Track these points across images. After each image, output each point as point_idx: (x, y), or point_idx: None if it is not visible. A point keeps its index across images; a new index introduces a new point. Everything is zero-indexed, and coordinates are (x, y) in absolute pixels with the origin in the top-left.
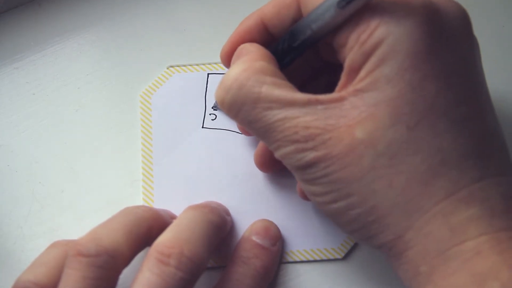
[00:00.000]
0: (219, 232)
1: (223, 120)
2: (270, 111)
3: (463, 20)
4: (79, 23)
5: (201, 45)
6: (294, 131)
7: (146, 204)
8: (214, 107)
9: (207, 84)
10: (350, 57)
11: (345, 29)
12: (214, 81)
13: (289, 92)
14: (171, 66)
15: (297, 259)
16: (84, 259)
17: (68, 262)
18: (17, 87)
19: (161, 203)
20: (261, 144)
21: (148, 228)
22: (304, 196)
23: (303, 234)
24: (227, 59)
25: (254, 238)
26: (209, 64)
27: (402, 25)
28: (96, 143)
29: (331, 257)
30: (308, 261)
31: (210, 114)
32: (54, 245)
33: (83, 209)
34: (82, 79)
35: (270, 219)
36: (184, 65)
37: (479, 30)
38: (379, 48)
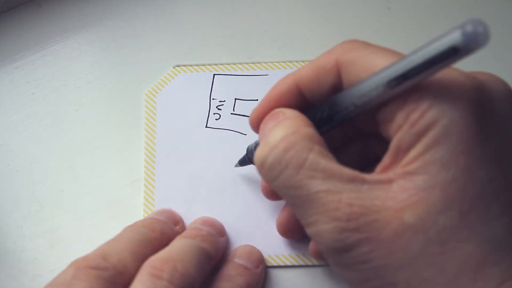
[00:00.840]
0: (210, 260)
1: (227, 120)
2: (314, 180)
3: (510, 98)
4: (79, 23)
5: (202, 45)
6: (336, 206)
7: (146, 203)
8: (237, 165)
9: (212, 84)
10: (398, 136)
11: (391, 105)
12: (220, 82)
13: (335, 165)
14: (177, 66)
15: (296, 264)
16: (92, 272)
17: (76, 273)
18: (17, 86)
19: (161, 203)
20: (284, 211)
21: (153, 249)
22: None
23: (303, 237)
24: (257, 124)
25: (237, 260)
26: (216, 64)
27: (455, 107)
28: (96, 143)
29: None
30: (307, 266)
31: (214, 114)
32: (73, 264)
33: (83, 209)
34: (82, 79)
35: (272, 220)
36: (190, 65)
37: None
38: (431, 130)
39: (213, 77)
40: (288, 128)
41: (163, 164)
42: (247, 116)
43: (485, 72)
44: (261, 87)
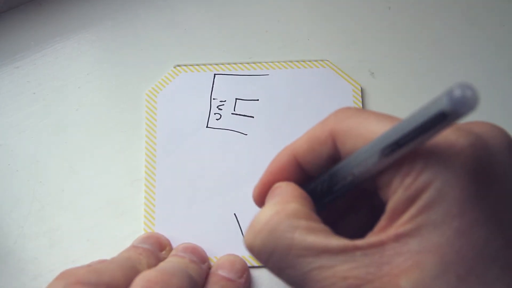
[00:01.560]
0: (195, 285)
1: (228, 120)
2: (304, 259)
3: (510, 150)
4: (80, 23)
5: (202, 45)
6: (332, 282)
7: (147, 202)
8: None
9: (213, 84)
10: (393, 200)
11: (388, 170)
12: (220, 81)
13: (324, 238)
14: (178, 66)
15: None
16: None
17: None
18: (17, 86)
19: (162, 203)
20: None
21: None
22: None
23: None
24: (260, 200)
25: (220, 272)
26: (216, 64)
27: (449, 168)
28: (96, 143)
29: None
30: None
31: (215, 114)
32: (62, 278)
33: (83, 208)
34: (83, 79)
35: None
36: (191, 65)
37: (479, 29)
38: (425, 193)
39: (214, 77)
40: (272, 209)
41: (163, 164)
42: (248, 116)
43: (482, 122)
44: (262, 87)
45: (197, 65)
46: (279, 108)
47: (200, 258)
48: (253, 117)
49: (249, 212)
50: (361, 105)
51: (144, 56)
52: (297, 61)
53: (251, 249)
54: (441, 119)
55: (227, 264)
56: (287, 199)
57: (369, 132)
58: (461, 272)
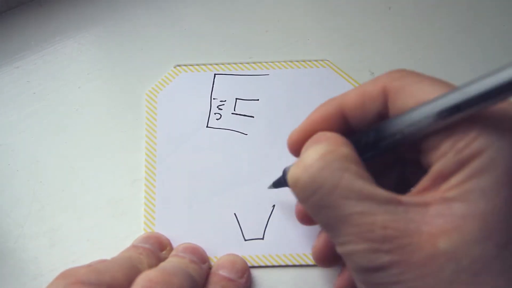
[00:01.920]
0: (196, 285)
1: (228, 120)
2: (348, 201)
3: None
4: (80, 23)
5: (202, 45)
6: (370, 228)
7: (147, 202)
8: (271, 187)
9: (213, 84)
10: (441, 162)
11: (439, 133)
12: (221, 81)
13: (371, 186)
14: (178, 65)
15: (297, 263)
16: (83, 287)
17: None
18: (18, 86)
19: (162, 203)
20: (321, 237)
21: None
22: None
23: (304, 238)
24: (297, 148)
25: (220, 272)
26: (216, 64)
27: (504, 138)
28: (96, 143)
29: None
30: (308, 265)
31: (215, 114)
32: (62, 278)
33: (83, 208)
34: (83, 79)
35: (271, 220)
36: (191, 65)
37: (479, 29)
38: (476, 159)
39: (214, 76)
40: (324, 148)
41: (163, 164)
42: (248, 116)
43: None
44: (262, 87)
45: (197, 65)
46: (279, 108)
47: (200, 258)
48: (253, 117)
49: (249, 212)
50: None
51: (144, 56)
52: (297, 61)
53: (296, 183)
54: (510, 87)
55: (228, 264)
56: (339, 142)
57: (423, 93)
58: (501, 241)
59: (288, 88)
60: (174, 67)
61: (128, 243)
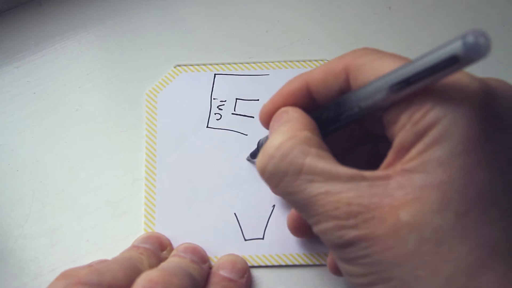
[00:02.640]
0: (196, 285)
1: (228, 120)
2: (312, 184)
3: None
4: (80, 23)
5: (202, 45)
6: (336, 206)
7: (147, 202)
8: (249, 158)
9: (213, 84)
10: (401, 135)
11: (396, 106)
12: (221, 81)
13: (333, 165)
14: (178, 66)
15: (297, 263)
16: None
17: None
18: (18, 86)
19: (162, 203)
20: (293, 210)
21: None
22: (335, 271)
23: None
24: (267, 119)
25: (221, 272)
26: (216, 64)
27: (458, 108)
28: (97, 143)
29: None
30: (308, 265)
31: (215, 114)
32: (62, 278)
33: (84, 208)
34: (83, 79)
35: (272, 220)
36: (191, 65)
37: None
38: (432, 130)
39: (214, 77)
40: (285, 134)
41: (164, 164)
42: (248, 116)
43: (494, 78)
44: (262, 87)
45: (197, 65)
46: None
47: (200, 258)
48: (253, 117)
49: (249, 212)
50: None
51: (144, 56)
52: (297, 61)
53: (263, 173)
54: (452, 62)
55: (228, 264)
56: (299, 126)
57: (382, 69)
58: (460, 210)
59: None
60: (174, 67)
61: (128, 243)
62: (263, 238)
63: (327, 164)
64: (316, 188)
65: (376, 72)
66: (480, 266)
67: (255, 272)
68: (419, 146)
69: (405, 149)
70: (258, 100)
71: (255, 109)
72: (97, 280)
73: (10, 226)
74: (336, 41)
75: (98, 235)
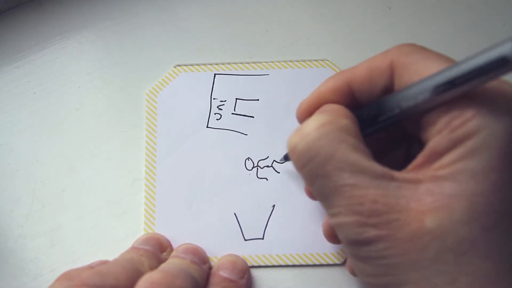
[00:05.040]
0: (197, 286)
1: (228, 120)
2: (341, 173)
3: None
4: (80, 23)
5: (202, 45)
6: (360, 201)
7: (147, 202)
8: (282, 159)
9: (213, 84)
10: (435, 139)
11: (436, 110)
12: (221, 81)
13: (365, 159)
14: (178, 65)
15: (297, 263)
16: None
17: None
18: (18, 86)
19: (162, 203)
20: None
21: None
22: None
23: (304, 238)
24: (304, 118)
25: (221, 272)
26: (216, 64)
27: (499, 121)
28: (96, 142)
29: (331, 262)
30: (308, 265)
31: (215, 114)
32: (64, 279)
33: (84, 208)
34: (83, 78)
35: (272, 220)
36: (191, 65)
37: (479, 29)
38: (470, 139)
39: (214, 76)
40: (325, 118)
41: (164, 164)
42: (248, 116)
43: None
44: (262, 87)
45: (197, 65)
46: (279, 108)
47: (200, 259)
48: (253, 117)
49: (249, 212)
50: None
51: (144, 56)
52: (297, 61)
53: (294, 149)
54: (501, 64)
55: (228, 264)
56: (340, 114)
57: (427, 70)
58: (487, 224)
59: (288, 88)
60: (174, 67)
61: (128, 243)
62: (263, 238)
63: (360, 156)
64: (344, 178)
65: (421, 72)
66: (499, 281)
67: (255, 272)
68: (454, 154)
69: (438, 154)
70: (258, 100)
71: (255, 109)
72: (100, 282)
73: (10, 226)
74: (336, 41)
75: (98, 235)
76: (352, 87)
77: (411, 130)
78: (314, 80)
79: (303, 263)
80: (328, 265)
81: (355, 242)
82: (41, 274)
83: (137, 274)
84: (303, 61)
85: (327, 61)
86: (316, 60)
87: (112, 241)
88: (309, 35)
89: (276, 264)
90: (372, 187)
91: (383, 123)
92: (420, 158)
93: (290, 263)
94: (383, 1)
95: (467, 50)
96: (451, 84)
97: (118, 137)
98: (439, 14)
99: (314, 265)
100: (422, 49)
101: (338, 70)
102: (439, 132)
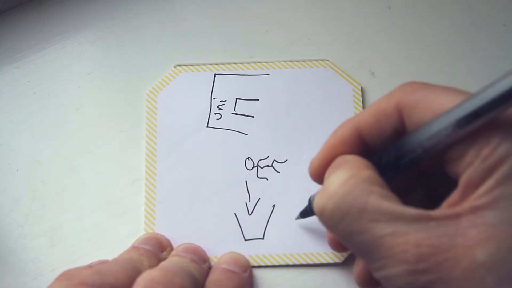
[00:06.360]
0: (197, 284)
1: (228, 120)
2: (377, 224)
3: None
4: (80, 23)
5: (202, 45)
6: (404, 249)
7: (147, 202)
8: (298, 217)
9: (213, 84)
10: (469, 172)
11: (461, 143)
12: (221, 81)
13: (398, 205)
14: (178, 65)
15: (297, 262)
16: None
17: None
18: (18, 86)
19: (162, 203)
20: (359, 260)
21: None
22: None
23: (304, 237)
24: (318, 174)
25: (224, 266)
26: (216, 64)
27: None
28: (97, 142)
29: (331, 261)
30: (308, 265)
31: (215, 114)
32: (64, 278)
33: (84, 208)
34: (83, 79)
35: (272, 220)
36: (191, 65)
37: (479, 29)
38: (503, 165)
39: (214, 76)
40: (346, 173)
41: (164, 164)
42: (248, 116)
43: None
44: (262, 87)
45: (197, 65)
46: (279, 108)
47: (200, 258)
48: (253, 117)
49: (249, 212)
50: (361, 105)
51: (144, 56)
52: (297, 61)
53: (322, 212)
54: None
55: (231, 259)
56: (360, 165)
57: (439, 104)
58: None
59: (288, 88)
60: (174, 67)
61: (128, 243)
62: (263, 238)
63: (391, 204)
64: (382, 229)
65: (433, 108)
66: None
67: (255, 272)
68: (490, 182)
69: (473, 186)
70: (258, 99)
71: (255, 108)
72: (99, 281)
73: (10, 226)
74: (336, 41)
75: (98, 235)
76: (361, 134)
77: (430, 167)
78: (314, 80)
79: (303, 263)
80: (328, 264)
81: None
82: (41, 274)
83: (136, 274)
84: (303, 61)
85: (327, 61)
86: (316, 60)
87: (112, 241)
88: (309, 35)
89: (276, 264)
90: (412, 232)
91: (404, 166)
92: (455, 195)
93: (290, 263)
94: (383, 1)
95: (467, 50)
96: (475, 115)
97: (118, 137)
98: (439, 14)
99: (314, 265)
100: (425, 85)
101: (338, 70)
102: (470, 164)
